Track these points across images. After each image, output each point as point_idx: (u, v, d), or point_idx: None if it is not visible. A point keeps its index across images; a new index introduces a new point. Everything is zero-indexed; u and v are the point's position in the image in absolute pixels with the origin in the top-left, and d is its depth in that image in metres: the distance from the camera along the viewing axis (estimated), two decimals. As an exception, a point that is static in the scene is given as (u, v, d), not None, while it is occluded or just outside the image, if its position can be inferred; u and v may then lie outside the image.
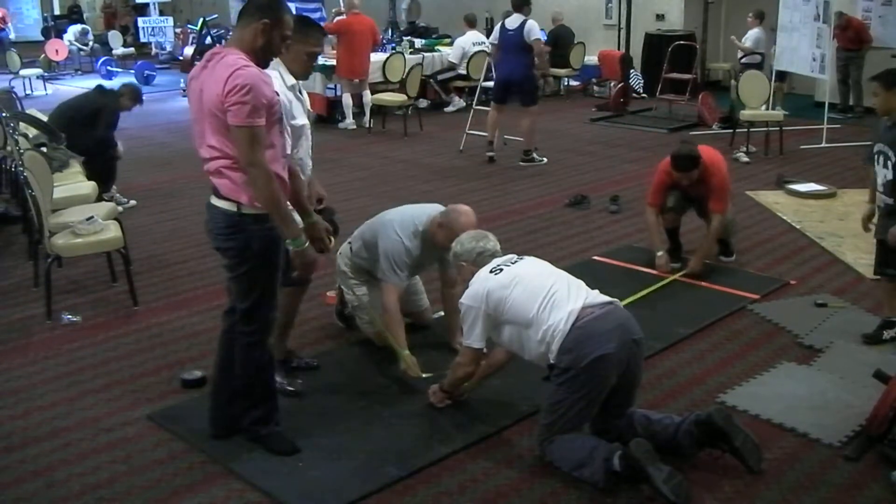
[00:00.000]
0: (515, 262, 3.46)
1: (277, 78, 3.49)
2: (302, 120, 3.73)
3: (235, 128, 2.96)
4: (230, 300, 3.38)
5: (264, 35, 3.06)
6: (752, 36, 10.59)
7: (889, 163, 4.03)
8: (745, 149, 8.83)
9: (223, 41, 16.73)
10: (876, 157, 4.18)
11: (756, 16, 10.67)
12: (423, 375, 3.75)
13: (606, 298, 3.33)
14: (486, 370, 3.70)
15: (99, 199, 6.24)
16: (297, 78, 3.69)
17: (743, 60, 10.62)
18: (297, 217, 3.34)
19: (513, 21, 8.34)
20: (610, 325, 3.19)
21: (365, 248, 4.22)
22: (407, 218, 4.13)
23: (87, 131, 6.85)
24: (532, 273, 3.40)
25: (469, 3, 14.16)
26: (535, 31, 8.31)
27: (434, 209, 4.19)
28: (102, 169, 6.91)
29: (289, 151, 3.45)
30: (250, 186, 3.04)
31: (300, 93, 3.77)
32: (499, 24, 8.58)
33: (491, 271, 3.41)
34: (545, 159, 8.73)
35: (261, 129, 2.98)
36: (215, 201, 3.16)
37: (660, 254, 5.45)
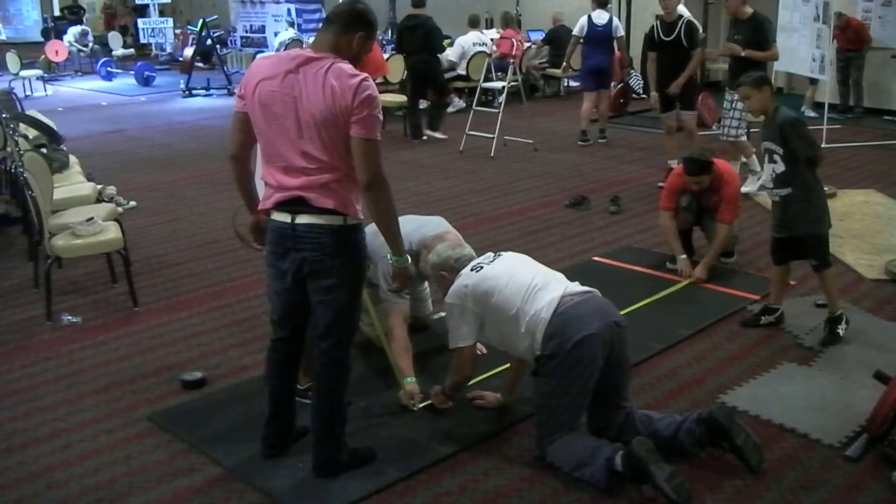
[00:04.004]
0: (493, 260, 3.50)
1: None
2: None
3: (364, 140, 2.83)
4: (287, 328, 3.19)
5: (360, 45, 2.98)
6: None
7: (776, 156, 4.23)
8: (745, 149, 8.81)
9: (225, 43, 16.77)
10: (766, 154, 4.36)
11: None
12: (418, 407, 3.73)
13: (585, 288, 3.38)
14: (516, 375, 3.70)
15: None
16: None
17: None
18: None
19: (601, 17, 9.38)
20: (591, 308, 3.24)
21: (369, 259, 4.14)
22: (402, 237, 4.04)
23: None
24: (513, 268, 3.43)
25: (469, 3, 14.16)
26: (620, 28, 9.75)
27: (435, 225, 4.11)
28: None
29: None
30: (372, 202, 2.91)
31: None
32: (584, 19, 9.47)
33: (472, 269, 3.46)
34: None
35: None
36: (314, 218, 2.91)
37: (682, 257, 5.29)
